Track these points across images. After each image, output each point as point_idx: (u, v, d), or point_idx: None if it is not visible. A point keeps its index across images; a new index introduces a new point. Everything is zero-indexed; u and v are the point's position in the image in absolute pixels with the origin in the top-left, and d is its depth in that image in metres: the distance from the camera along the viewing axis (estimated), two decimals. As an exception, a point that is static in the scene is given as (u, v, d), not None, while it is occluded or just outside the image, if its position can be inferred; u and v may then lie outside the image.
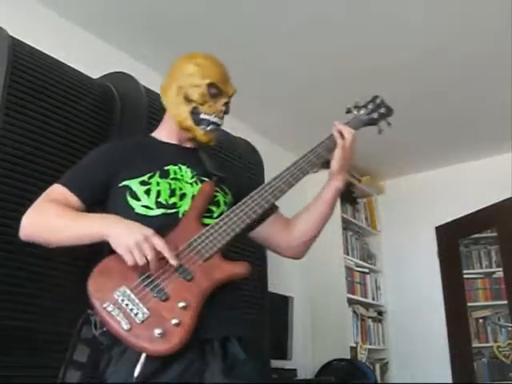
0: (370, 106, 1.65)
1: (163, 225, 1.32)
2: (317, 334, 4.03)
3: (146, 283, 1.22)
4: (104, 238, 1.25)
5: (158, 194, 1.38)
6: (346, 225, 4.48)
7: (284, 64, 3.18)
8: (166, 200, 1.37)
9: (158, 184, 1.39)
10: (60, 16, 2.69)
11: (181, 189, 1.41)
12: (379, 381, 4.21)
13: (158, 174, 1.41)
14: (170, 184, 1.40)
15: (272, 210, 1.53)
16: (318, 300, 4.09)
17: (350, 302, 4.18)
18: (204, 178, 1.46)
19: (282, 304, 3.52)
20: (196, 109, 1.48)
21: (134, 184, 1.38)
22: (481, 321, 4.51)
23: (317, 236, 1.55)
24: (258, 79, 3.26)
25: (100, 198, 1.41)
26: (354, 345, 4.06)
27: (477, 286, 4.61)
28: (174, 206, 1.37)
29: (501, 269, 4.18)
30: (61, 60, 2.13)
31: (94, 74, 2.33)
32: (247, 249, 2.25)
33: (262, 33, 2.92)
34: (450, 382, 4.02)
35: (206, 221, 1.38)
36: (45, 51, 2.07)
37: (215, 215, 1.42)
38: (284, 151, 4.10)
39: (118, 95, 2.28)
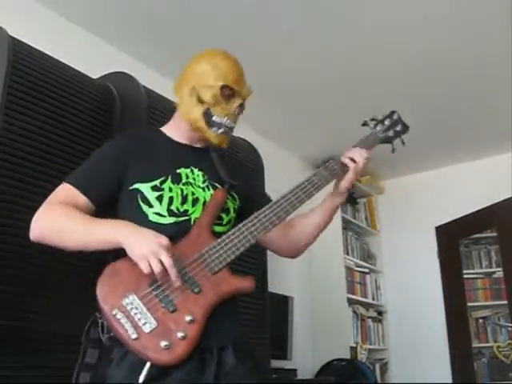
0: (387, 122, 1.62)
1: (175, 233, 1.32)
2: (317, 334, 4.03)
3: (155, 293, 1.23)
4: (119, 245, 1.24)
5: (171, 200, 1.36)
6: (346, 225, 4.48)
7: (284, 64, 3.18)
8: (177, 208, 1.36)
9: (170, 190, 1.38)
10: (60, 16, 2.69)
11: (193, 193, 1.40)
12: (379, 381, 4.21)
13: (170, 179, 1.39)
14: (182, 190, 1.39)
15: None
16: (318, 300, 4.10)
17: (350, 302, 4.18)
18: (216, 184, 1.46)
19: (282, 304, 3.52)
20: (208, 110, 1.45)
21: (145, 189, 1.37)
22: (481, 321, 4.51)
23: (313, 242, 1.59)
24: (259, 79, 3.25)
25: (110, 198, 1.40)
26: (354, 345, 4.06)
27: (477, 286, 4.61)
28: (185, 213, 1.37)
29: (501, 269, 4.18)
30: (61, 60, 2.13)
31: (94, 74, 2.33)
32: (247, 249, 2.24)
33: (263, 33, 2.91)
34: (450, 382, 4.02)
35: (217, 228, 1.39)
36: (45, 51, 2.07)
37: (225, 222, 1.43)
38: (284, 151, 4.10)
39: (118, 95, 2.27)
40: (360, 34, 2.92)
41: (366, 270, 4.58)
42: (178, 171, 1.42)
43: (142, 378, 1.16)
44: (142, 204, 1.36)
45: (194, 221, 1.37)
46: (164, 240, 1.22)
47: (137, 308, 1.20)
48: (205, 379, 1.24)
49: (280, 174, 3.26)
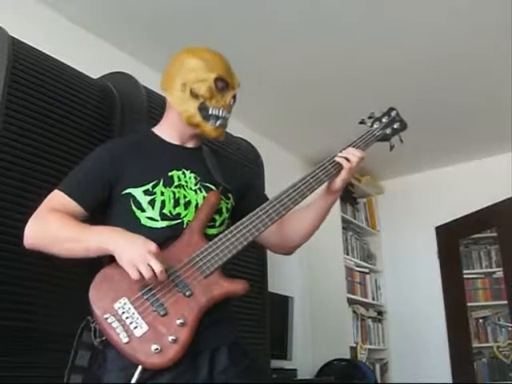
0: (385, 120, 1.60)
1: (168, 237, 1.33)
2: (317, 334, 4.03)
3: (146, 297, 1.24)
4: (109, 253, 1.25)
5: (163, 204, 1.37)
6: (346, 225, 4.48)
7: (284, 64, 3.18)
8: (170, 211, 1.37)
9: (162, 194, 1.38)
10: (60, 16, 2.69)
11: (185, 196, 1.40)
12: (379, 381, 4.21)
13: (162, 182, 1.39)
14: (174, 193, 1.39)
15: None
16: (318, 300, 4.09)
17: (350, 302, 4.18)
18: (208, 185, 1.45)
19: (282, 304, 3.52)
20: (204, 104, 1.45)
21: (137, 193, 1.37)
22: (481, 321, 4.51)
23: (307, 240, 1.58)
24: (259, 79, 3.26)
25: (102, 203, 1.40)
26: (354, 345, 4.06)
27: (477, 285, 4.60)
28: (178, 216, 1.37)
29: (501, 269, 4.18)
30: (61, 60, 2.13)
31: (94, 74, 2.33)
32: (247, 249, 2.24)
33: (263, 33, 2.91)
34: (450, 382, 4.02)
35: (209, 231, 1.39)
36: (45, 51, 2.07)
37: (218, 224, 1.43)
38: (284, 151, 4.10)
39: (118, 95, 2.27)
40: (360, 34, 2.92)
41: (366, 270, 4.58)
42: (170, 174, 1.41)
43: (134, 380, 1.17)
44: (134, 209, 1.36)
45: (187, 224, 1.37)
46: (153, 246, 1.22)
47: (128, 312, 1.22)
48: (198, 379, 1.25)
49: (280, 174, 3.26)
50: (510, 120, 3.73)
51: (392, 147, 1.61)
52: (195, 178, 1.45)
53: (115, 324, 1.20)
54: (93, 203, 1.38)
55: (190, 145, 1.52)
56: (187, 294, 1.26)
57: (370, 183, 4.72)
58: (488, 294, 4.57)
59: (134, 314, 1.22)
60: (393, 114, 1.62)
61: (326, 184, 1.48)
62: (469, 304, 4.30)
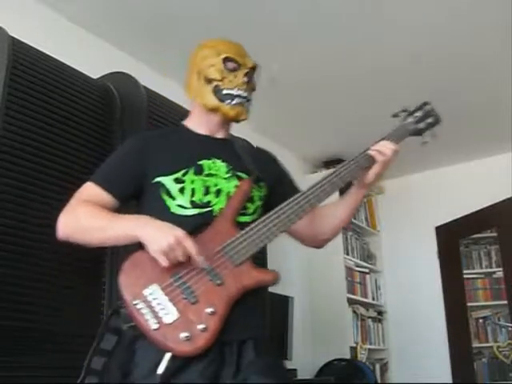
0: (418, 114, 1.58)
1: (198, 224, 1.32)
2: (317, 334, 4.03)
3: (177, 284, 1.23)
4: (137, 240, 1.25)
5: (193, 192, 1.36)
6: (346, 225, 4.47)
7: (284, 64, 3.17)
8: (200, 199, 1.36)
9: (192, 182, 1.37)
10: (60, 16, 2.69)
11: (216, 185, 1.39)
12: (379, 381, 4.21)
13: (193, 171, 1.39)
14: (204, 181, 1.38)
15: None
16: (318, 300, 4.09)
17: (350, 302, 4.18)
18: (239, 173, 1.44)
19: (282, 304, 3.52)
20: (217, 86, 1.45)
21: (167, 181, 1.37)
22: (481, 321, 4.51)
23: (337, 234, 1.59)
24: (258, 79, 3.26)
25: (133, 193, 1.41)
26: (354, 345, 4.06)
27: (477, 285, 4.60)
28: (208, 204, 1.36)
29: (501, 269, 4.18)
30: (61, 60, 2.13)
31: (94, 74, 2.33)
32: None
33: (263, 32, 2.91)
34: (450, 382, 4.02)
35: (241, 218, 1.37)
36: (45, 51, 2.07)
37: (250, 211, 1.41)
38: (284, 151, 4.10)
39: (118, 95, 2.28)
40: (360, 34, 2.92)
41: (366, 270, 4.58)
42: (200, 163, 1.41)
43: (161, 369, 1.16)
44: (164, 197, 1.36)
45: (218, 212, 1.36)
46: (180, 232, 1.22)
47: (158, 298, 1.21)
48: (224, 376, 1.23)
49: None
50: (510, 120, 3.73)
51: (424, 143, 1.58)
52: (226, 166, 1.44)
53: (144, 310, 1.19)
54: (123, 193, 1.39)
55: (219, 135, 1.52)
56: (218, 282, 1.25)
57: (370, 183, 4.72)
58: (488, 294, 4.57)
59: (164, 300, 1.21)
60: (427, 108, 1.60)
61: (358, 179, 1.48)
62: (469, 304, 4.30)
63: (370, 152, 1.45)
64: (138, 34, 2.90)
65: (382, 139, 1.48)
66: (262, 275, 1.32)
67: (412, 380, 4.05)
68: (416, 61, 3.15)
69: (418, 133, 1.58)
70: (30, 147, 1.87)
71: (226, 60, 1.46)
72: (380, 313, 4.62)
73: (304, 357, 3.81)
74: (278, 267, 3.33)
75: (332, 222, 1.54)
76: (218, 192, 1.39)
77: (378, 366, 4.35)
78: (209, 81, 1.46)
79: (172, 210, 1.35)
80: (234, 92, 1.46)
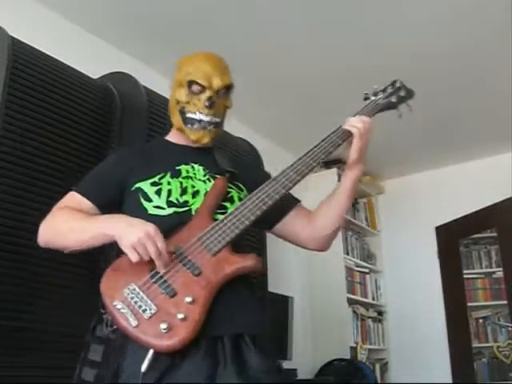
0: (389, 90, 1.58)
1: (176, 223, 1.32)
2: (317, 334, 4.03)
3: (154, 279, 1.23)
4: (111, 238, 1.25)
5: (169, 193, 1.38)
6: (346, 225, 4.47)
7: (284, 64, 3.18)
8: (177, 199, 1.37)
9: (168, 183, 1.39)
10: (60, 16, 2.69)
11: (193, 186, 1.41)
12: (379, 381, 4.21)
13: (170, 174, 1.41)
14: (181, 182, 1.40)
15: (292, 203, 1.53)
16: (318, 300, 4.09)
17: (350, 302, 4.18)
18: (217, 176, 1.45)
19: (282, 304, 3.52)
20: (183, 108, 1.47)
21: (145, 186, 1.39)
22: (481, 321, 4.51)
23: (339, 228, 1.54)
24: (259, 79, 3.26)
25: (114, 200, 1.41)
26: (354, 345, 4.06)
27: (477, 285, 4.60)
28: (185, 204, 1.37)
29: (501, 269, 4.18)
30: (61, 60, 2.13)
31: (94, 74, 2.33)
32: (245, 249, 2.24)
33: (263, 32, 2.91)
34: (450, 382, 4.02)
35: (220, 217, 1.36)
36: (45, 51, 2.07)
37: (229, 211, 1.40)
38: (284, 151, 4.10)
39: (118, 95, 2.28)
40: (360, 33, 2.92)
41: (366, 270, 4.58)
42: (178, 168, 1.43)
43: (144, 367, 1.14)
44: (142, 201, 1.37)
45: (196, 211, 1.36)
46: (150, 227, 1.22)
47: (137, 296, 1.20)
48: (224, 376, 1.19)
49: (280, 174, 3.26)
50: (510, 120, 3.73)
51: (400, 115, 1.58)
52: (204, 169, 1.46)
53: (124, 310, 1.18)
54: (102, 198, 1.41)
55: (198, 145, 1.52)
56: (196, 272, 1.24)
57: (370, 183, 4.72)
58: (488, 294, 4.57)
59: (142, 298, 1.20)
60: (397, 84, 1.60)
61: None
62: (469, 304, 4.30)
63: (345, 127, 1.44)
64: (137, 34, 2.90)
65: (354, 116, 1.48)
66: (242, 261, 1.29)
67: (412, 380, 4.05)
68: (417, 62, 3.15)
69: (392, 106, 1.58)
70: (30, 147, 1.87)
71: (190, 83, 1.46)
72: (380, 313, 4.61)
73: (304, 357, 3.81)
74: (278, 267, 3.33)
75: (330, 211, 1.49)
76: (196, 193, 1.40)
77: (378, 366, 4.35)
78: (177, 102, 1.49)
79: (149, 211, 1.35)
80: (196, 117, 1.46)
